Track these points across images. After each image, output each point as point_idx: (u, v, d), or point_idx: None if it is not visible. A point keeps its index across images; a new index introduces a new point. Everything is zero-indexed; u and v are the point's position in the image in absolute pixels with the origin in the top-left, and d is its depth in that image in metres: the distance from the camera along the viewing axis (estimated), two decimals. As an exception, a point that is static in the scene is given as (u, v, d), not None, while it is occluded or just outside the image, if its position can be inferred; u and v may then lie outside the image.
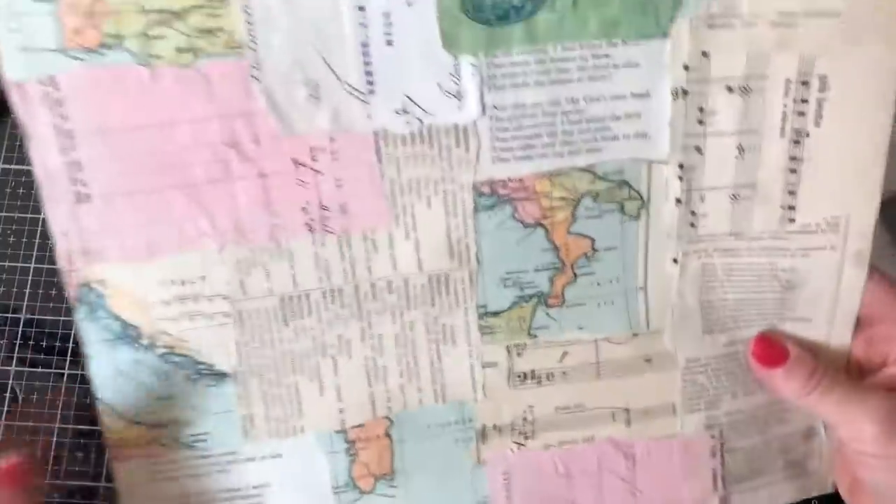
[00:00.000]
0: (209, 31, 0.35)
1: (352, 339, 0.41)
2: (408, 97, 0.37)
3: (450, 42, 0.36)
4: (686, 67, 0.38)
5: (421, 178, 0.39)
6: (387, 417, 0.42)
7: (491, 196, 0.39)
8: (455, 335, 0.41)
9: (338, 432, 0.42)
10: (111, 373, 0.40)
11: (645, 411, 0.44)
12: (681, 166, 0.39)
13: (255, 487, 0.42)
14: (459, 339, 0.41)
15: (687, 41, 0.37)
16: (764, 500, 0.46)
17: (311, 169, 0.38)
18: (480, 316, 0.41)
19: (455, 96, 0.37)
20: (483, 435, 0.43)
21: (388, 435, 0.42)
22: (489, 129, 0.38)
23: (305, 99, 0.37)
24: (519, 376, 0.42)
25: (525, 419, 0.43)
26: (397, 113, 0.37)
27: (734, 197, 0.40)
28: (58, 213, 0.37)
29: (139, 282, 0.39)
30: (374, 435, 0.42)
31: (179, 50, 0.35)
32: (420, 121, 0.37)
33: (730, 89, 0.38)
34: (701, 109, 0.38)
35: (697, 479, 0.45)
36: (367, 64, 0.36)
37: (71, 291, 0.39)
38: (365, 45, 0.36)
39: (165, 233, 0.38)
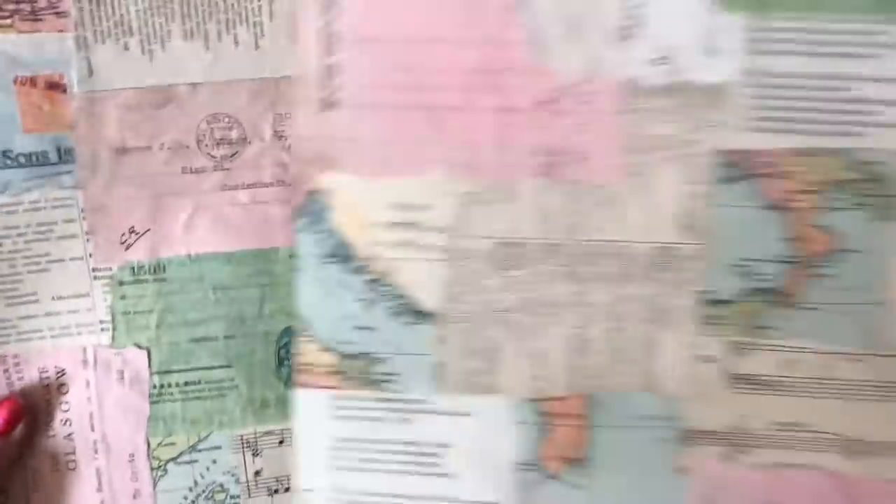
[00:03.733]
0: (488, -46, 0.34)
1: (562, 302, 0.37)
2: (666, 48, 0.35)
3: (721, -5, 0.34)
4: (972, 53, 0.33)
5: (663, 136, 0.35)
6: (585, 396, 0.37)
7: (735, 167, 0.35)
8: (673, 319, 0.36)
9: (531, 401, 0.37)
10: (316, 291, 0.37)
11: (877, 446, 0.36)
12: (953, 167, 0.34)
13: (434, 445, 0.38)
14: (677, 324, 0.36)
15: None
16: None
17: (554, 110, 0.35)
18: (703, 303, 0.36)
19: (715, 54, 0.34)
20: (688, 438, 0.37)
21: (584, 416, 0.37)
22: (745, 95, 0.35)
23: (564, 36, 0.35)
24: (737, 378, 0.36)
25: (737, 429, 0.36)
26: (652, 63, 0.35)
27: None
28: (303, 116, 0.36)
29: (366, 199, 0.37)
30: (569, 412, 0.37)
31: (456, -33, 0.35)
32: (674, 75, 0.35)
33: None
34: (984, 103, 0.33)
35: (936, 545, 0.36)
36: (632, 8, 0.34)
37: (297, 198, 0.37)
38: (633, -12, 0.34)
39: (402, 153, 0.37)
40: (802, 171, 0.35)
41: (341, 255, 0.37)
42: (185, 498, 0.41)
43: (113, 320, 0.40)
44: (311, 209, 0.37)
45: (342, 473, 0.38)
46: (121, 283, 0.39)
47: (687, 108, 0.35)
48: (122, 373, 0.40)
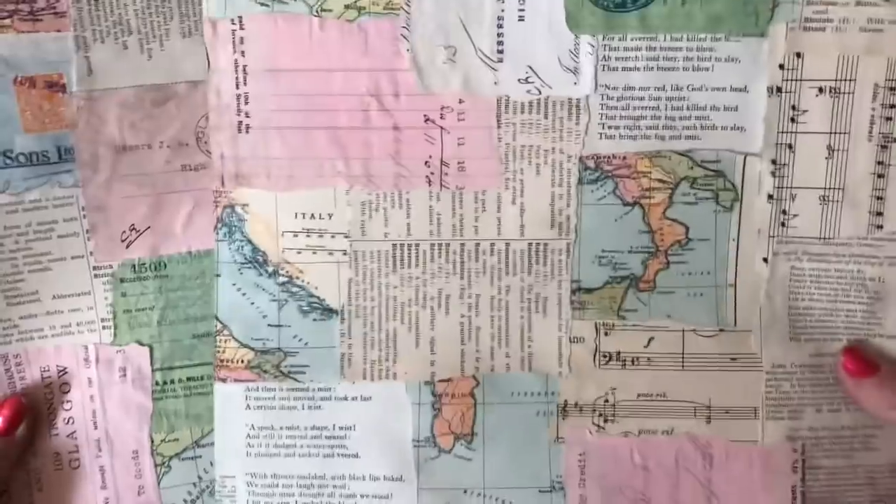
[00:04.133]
0: (374, -8, 0.39)
1: (451, 294, 0.41)
2: (531, 68, 0.40)
3: (573, 22, 0.39)
4: (781, 66, 0.39)
5: (533, 146, 0.41)
6: (474, 377, 0.42)
7: (595, 170, 0.41)
8: (547, 306, 0.41)
9: (426, 383, 0.41)
10: (234, 294, 0.41)
11: (726, 411, 0.41)
12: (773, 162, 0.40)
13: (341, 428, 0.42)
14: (551, 310, 0.41)
15: (783, 41, 0.39)
16: (848, 532, 0.41)
17: (439, 126, 0.41)
18: (573, 291, 0.41)
19: (572, 72, 0.40)
20: (564, 411, 0.42)
21: (472, 395, 0.42)
22: (599, 106, 0.40)
23: (443, 61, 0.40)
24: (605, 356, 0.42)
25: (607, 401, 0.42)
26: (520, 82, 0.40)
27: (823, 199, 0.40)
28: (221, 139, 0.41)
29: (276, 210, 0.41)
30: (460, 392, 0.42)
31: (347, 6, 0.40)
32: (539, 91, 0.40)
33: (821, 90, 0.39)
34: (794, 108, 0.40)
35: (776, 492, 0.41)
36: (499, 35, 0.40)
37: (217, 212, 0.41)
38: (500, 18, 0.40)
39: (307, 169, 0.41)
40: (653, 170, 0.40)
41: (256, 261, 0.41)
42: (190, 493, 0.42)
43: (114, 318, 0.41)
44: (228, 221, 0.41)
45: (259, 459, 0.42)
46: (122, 281, 0.40)
47: (551, 121, 0.40)
48: (124, 370, 0.41)
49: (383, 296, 0.41)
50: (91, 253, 0.40)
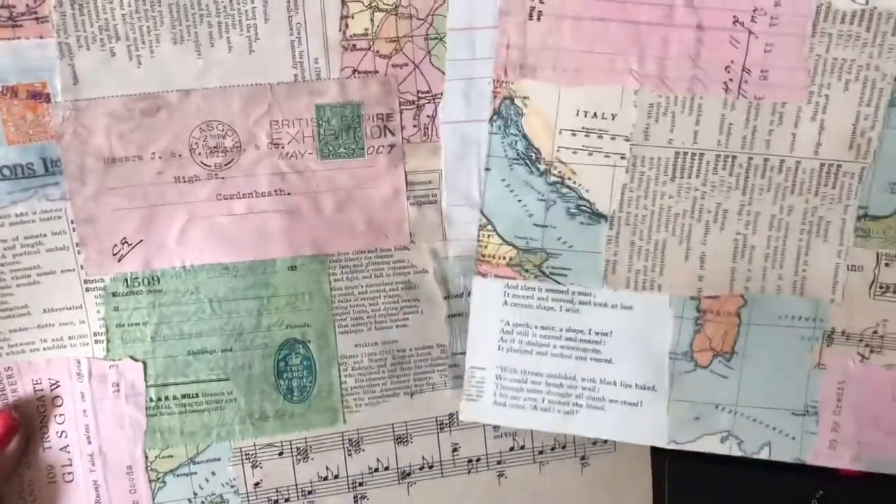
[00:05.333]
0: None
1: (729, 209, 0.39)
2: (866, -26, 0.35)
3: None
4: None
5: (846, 60, 0.37)
6: (742, 296, 0.39)
7: (913, 93, 0.36)
8: (829, 231, 0.39)
9: (692, 299, 0.40)
10: (502, 190, 0.39)
11: None
12: None
13: (597, 333, 0.40)
14: (832, 235, 0.39)
15: None
16: None
17: (748, 30, 0.36)
18: (859, 217, 0.38)
19: (913, -18, 0.35)
20: (830, 338, 0.40)
21: (738, 314, 0.40)
22: (935, 23, 0.35)
23: (768, -43, 0.35)
24: (882, 287, 0.39)
25: (875, 332, 0.39)
26: (850, -12, 0.35)
27: None
28: (509, 25, 0.37)
29: (557, 106, 0.38)
30: (725, 310, 0.40)
31: None
32: (869, 2, 0.35)
33: None
34: None
35: None
36: (836, -67, 0.35)
37: (494, 103, 0.38)
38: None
39: (597, 63, 0.37)
40: (976, 100, 0.36)
41: (529, 158, 0.39)
42: (185, 508, 0.40)
43: (107, 332, 0.39)
44: (505, 114, 0.38)
45: (510, 354, 0.41)
46: (114, 295, 0.39)
47: (873, 34, 0.36)
48: (117, 385, 0.39)
49: (657, 205, 0.39)
50: (82, 266, 0.38)
